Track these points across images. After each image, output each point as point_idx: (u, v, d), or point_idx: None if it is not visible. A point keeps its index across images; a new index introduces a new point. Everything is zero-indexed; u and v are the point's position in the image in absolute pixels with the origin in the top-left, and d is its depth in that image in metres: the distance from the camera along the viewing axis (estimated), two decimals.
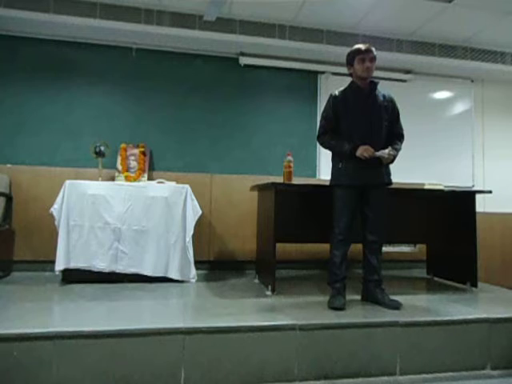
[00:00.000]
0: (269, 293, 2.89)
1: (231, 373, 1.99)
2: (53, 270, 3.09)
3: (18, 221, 3.63)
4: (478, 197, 3.27)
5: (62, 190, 3.18)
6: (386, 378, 2.13)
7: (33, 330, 1.89)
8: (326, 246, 2.72)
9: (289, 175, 3.15)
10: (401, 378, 2.15)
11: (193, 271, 3.29)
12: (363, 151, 2.51)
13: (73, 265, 3.11)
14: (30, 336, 1.87)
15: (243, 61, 4.26)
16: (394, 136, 2.71)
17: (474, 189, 4.60)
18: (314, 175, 4.37)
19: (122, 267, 3.17)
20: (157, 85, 4.12)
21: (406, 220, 3.34)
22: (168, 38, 3.93)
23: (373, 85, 2.65)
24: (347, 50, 2.68)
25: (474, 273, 3.18)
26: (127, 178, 3.69)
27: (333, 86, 3.29)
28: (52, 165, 3.78)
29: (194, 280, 3.28)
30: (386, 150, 2.54)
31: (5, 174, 3.61)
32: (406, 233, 3.48)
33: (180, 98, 4.16)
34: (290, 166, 3.16)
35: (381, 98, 2.64)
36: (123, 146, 3.85)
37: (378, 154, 2.52)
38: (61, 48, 3.95)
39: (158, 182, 3.55)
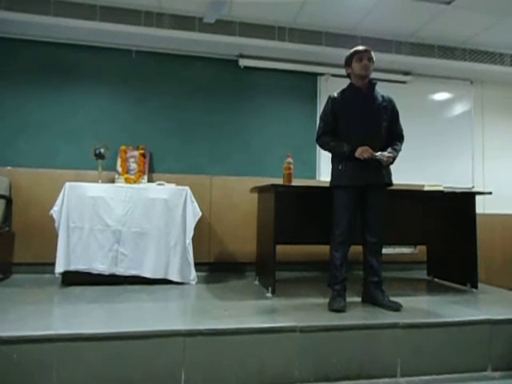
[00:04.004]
0: (269, 294, 2.88)
1: (231, 375, 1.98)
2: (53, 272, 3.09)
3: (18, 223, 3.63)
4: (477, 198, 3.27)
5: (61, 192, 3.18)
6: (386, 380, 2.12)
7: (33, 333, 1.89)
8: (326, 248, 2.71)
9: (289, 177, 3.15)
10: (402, 379, 2.14)
11: (193, 273, 3.28)
12: (362, 152, 2.51)
13: (73, 267, 3.10)
14: (30, 338, 1.86)
15: (243, 63, 4.27)
16: (393, 137, 2.70)
17: (474, 190, 4.61)
18: (313, 177, 4.38)
19: (122, 269, 3.17)
20: (156, 87, 4.13)
21: (406, 221, 3.35)
22: (168, 40, 3.93)
23: (371, 85, 2.65)
24: (346, 51, 2.69)
25: (474, 274, 3.18)
26: (127, 180, 3.70)
27: (332, 87, 3.30)
28: (52, 167, 3.78)
29: (194, 282, 3.28)
30: (386, 153, 2.54)
31: (5, 176, 3.61)
32: (407, 234, 3.48)
33: (180, 100, 4.17)
34: (289, 168, 3.16)
35: (380, 99, 2.64)
36: (123, 148, 3.85)
37: (378, 156, 2.52)
38: (61, 50, 3.95)
39: (158, 184, 3.55)
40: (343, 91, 2.68)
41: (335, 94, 2.67)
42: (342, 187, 2.60)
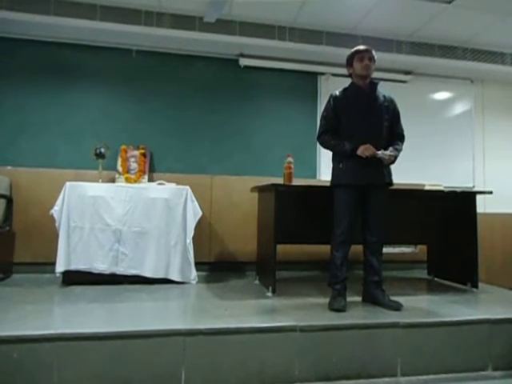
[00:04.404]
0: (269, 294, 2.88)
1: (232, 374, 1.98)
2: (53, 271, 3.09)
3: (19, 223, 3.63)
4: (478, 197, 3.27)
5: (62, 192, 3.18)
6: (387, 380, 2.12)
7: (33, 332, 1.89)
8: (326, 247, 2.71)
9: (289, 176, 3.15)
10: (402, 379, 2.14)
11: (193, 272, 3.28)
12: (364, 150, 2.51)
13: (73, 267, 3.11)
14: (30, 338, 1.86)
15: (243, 62, 4.27)
16: (394, 137, 2.70)
17: (475, 189, 4.60)
18: (314, 176, 4.38)
19: (122, 269, 3.17)
20: (157, 86, 4.13)
21: (406, 221, 3.34)
22: (168, 39, 3.93)
23: (373, 85, 2.65)
24: (347, 51, 2.69)
25: (474, 273, 3.17)
26: (127, 180, 3.70)
27: (333, 87, 3.30)
28: (52, 166, 3.78)
29: (194, 281, 3.28)
30: (387, 152, 2.54)
31: (5, 175, 3.61)
32: (407, 234, 3.48)
33: (180, 100, 4.17)
34: (290, 167, 3.16)
35: (381, 99, 2.65)
36: (123, 147, 3.85)
37: (379, 155, 2.52)
38: (61, 50, 3.96)
39: (159, 184, 3.55)
40: (345, 90, 2.68)
41: (337, 93, 2.67)
42: (342, 186, 2.60)
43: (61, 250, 3.09)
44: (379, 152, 2.52)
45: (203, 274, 3.71)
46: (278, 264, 2.93)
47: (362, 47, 2.61)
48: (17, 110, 3.84)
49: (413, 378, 2.14)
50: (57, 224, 3.14)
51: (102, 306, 2.55)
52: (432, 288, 3.38)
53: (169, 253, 3.24)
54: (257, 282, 3.42)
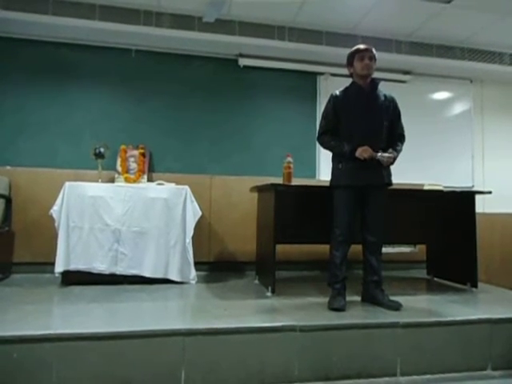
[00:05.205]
0: (269, 294, 2.88)
1: (231, 374, 1.98)
2: (52, 271, 3.09)
3: (18, 222, 3.62)
4: (477, 197, 3.27)
5: (61, 192, 3.17)
6: (386, 379, 2.12)
7: (33, 332, 1.89)
8: (326, 247, 2.71)
9: (288, 176, 3.15)
10: (401, 378, 2.14)
11: (193, 272, 3.28)
12: (362, 152, 2.50)
13: (73, 267, 3.10)
14: (30, 338, 1.86)
15: (242, 62, 4.27)
16: (394, 136, 2.69)
17: (474, 189, 4.61)
18: (313, 176, 4.38)
19: (121, 269, 3.16)
20: (156, 86, 4.13)
21: (405, 221, 3.34)
22: (167, 39, 3.93)
23: (374, 84, 2.64)
24: (346, 50, 2.69)
25: (474, 273, 3.18)
26: (127, 180, 3.69)
27: (332, 87, 3.30)
28: (51, 166, 3.78)
29: (193, 281, 3.28)
30: (386, 154, 2.53)
31: (4, 175, 3.61)
32: (406, 233, 3.48)
33: (179, 100, 4.17)
34: (289, 167, 3.16)
35: (382, 98, 2.64)
36: (123, 147, 3.85)
37: (378, 157, 2.51)
38: (60, 50, 3.95)
39: (158, 184, 3.55)
40: (346, 89, 2.66)
41: (337, 92, 2.66)
42: (341, 187, 2.59)
43: (60, 250, 3.08)
44: (378, 154, 2.51)
45: (203, 273, 3.71)
46: (278, 264, 2.93)
47: (362, 46, 2.60)
48: (16, 110, 3.84)
49: (412, 378, 2.14)
50: (56, 224, 3.14)
51: (101, 305, 2.54)
52: (431, 288, 3.38)
53: (168, 253, 3.24)
54: (256, 281, 3.42)
